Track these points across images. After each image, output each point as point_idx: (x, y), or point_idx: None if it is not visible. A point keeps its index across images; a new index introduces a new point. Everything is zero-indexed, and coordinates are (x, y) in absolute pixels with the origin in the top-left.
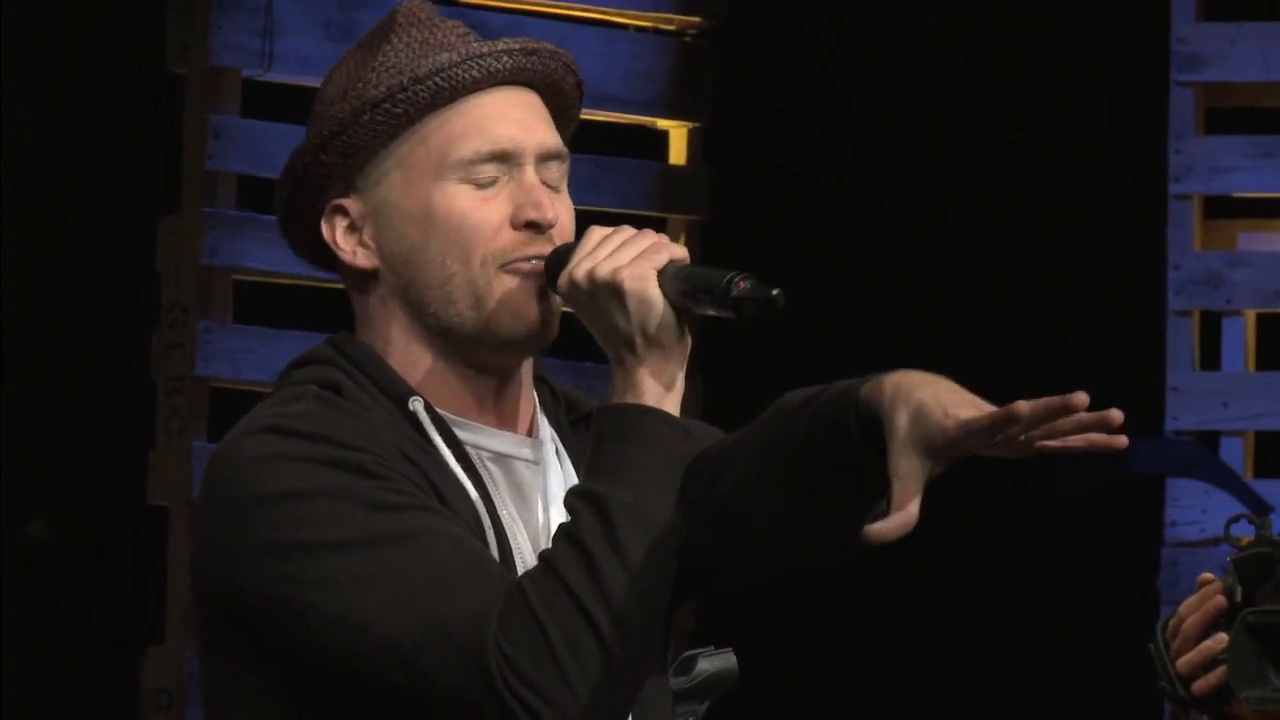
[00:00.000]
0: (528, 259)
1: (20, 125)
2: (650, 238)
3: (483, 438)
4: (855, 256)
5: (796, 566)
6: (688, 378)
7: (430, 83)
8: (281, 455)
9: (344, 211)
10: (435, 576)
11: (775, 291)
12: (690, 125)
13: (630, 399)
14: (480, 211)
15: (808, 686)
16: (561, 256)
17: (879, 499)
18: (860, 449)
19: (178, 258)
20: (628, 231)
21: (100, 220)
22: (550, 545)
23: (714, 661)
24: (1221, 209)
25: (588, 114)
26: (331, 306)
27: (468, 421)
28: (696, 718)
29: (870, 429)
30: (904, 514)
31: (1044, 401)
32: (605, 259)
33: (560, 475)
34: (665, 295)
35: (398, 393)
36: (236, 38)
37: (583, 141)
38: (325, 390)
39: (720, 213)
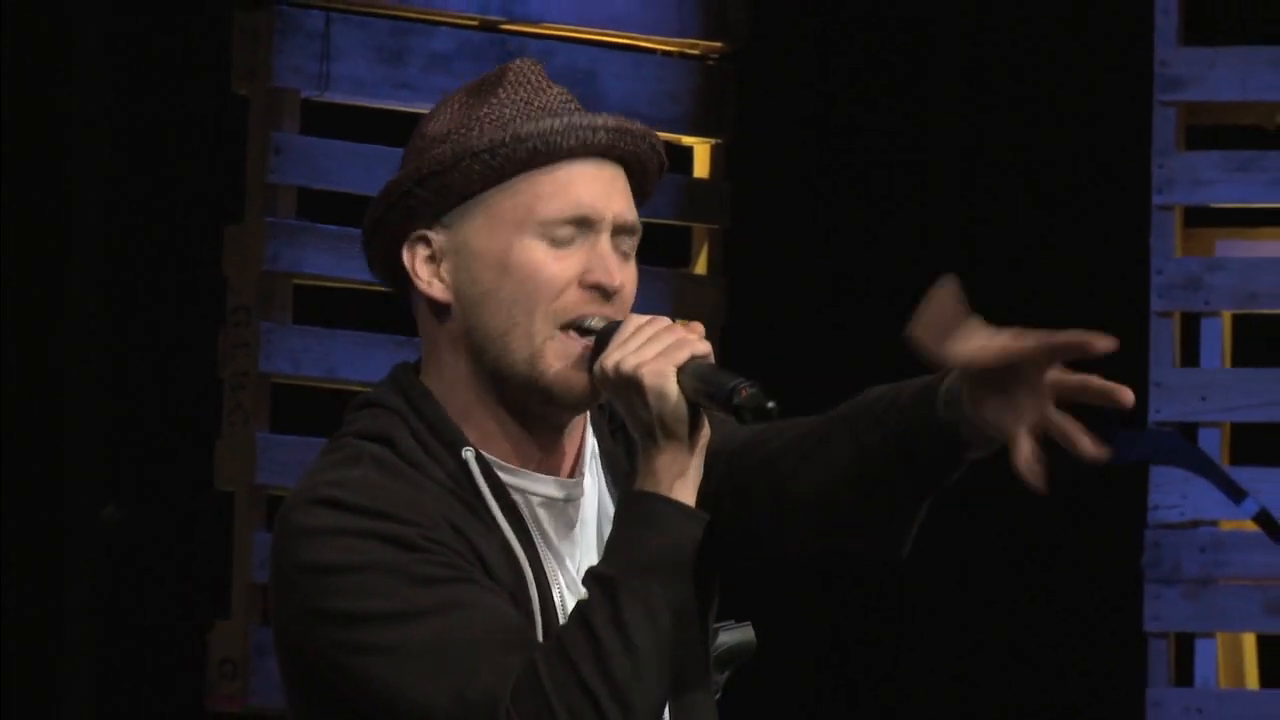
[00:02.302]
0: (585, 321)
1: (98, 142)
2: (676, 334)
3: (530, 483)
4: (863, 262)
5: (840, 543)
6: None
7: (530, 144)
8: (339, 529)
9: (427, 242)
10: (464, 650)
11: (771, 405)
12: (713, 142)
13: (648, 487)
14: (552, 267)
15: (820, 658)
16: (604, 341)
17: (946, 478)
18: (939, 417)
19: (242, 263)
20: (659, 325)
21: (171, 229)
22: (566, 621)
23: (733, 635)
24: (1200, 218)
25: None
26: (382, 309)
27: (516, 468)
28: (716, 689)
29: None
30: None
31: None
32: (632, 353)
33: (599, 508)
34: (683, 390)
35: (452, 442)
36: (296, 61)
37: None
38: (382, 447)
39: (740, 222)
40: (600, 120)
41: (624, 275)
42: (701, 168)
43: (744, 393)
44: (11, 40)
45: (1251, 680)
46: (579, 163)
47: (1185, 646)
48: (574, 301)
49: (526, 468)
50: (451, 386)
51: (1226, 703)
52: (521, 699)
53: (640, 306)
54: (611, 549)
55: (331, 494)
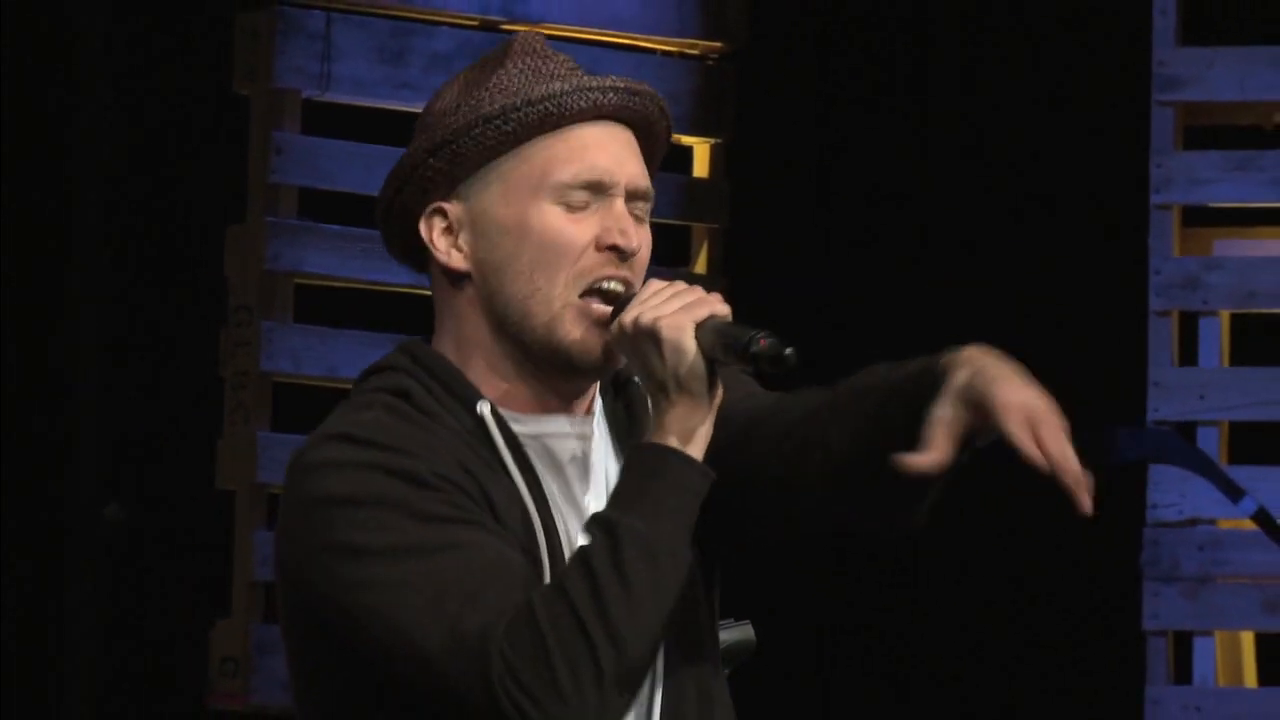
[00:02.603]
0: (604, 284)
1: (99, 142)
2: (696, 293)
3: (543, 426)
4: (862, 262)
5: (846, 521)
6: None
7: (541, 106)
8: (347, 462)
9: (444, 214)
10: (464, 587)
11: (788, 350)
12: (713, 141)
13: (658, 439)
14: (570, 230)
15: (820, 656)
16: (623, 305)
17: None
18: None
19: (243, 263)
20: (679, 285)
21: (173, 228)
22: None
23: (733, 633)
24: (1198, 218)
25: None
26: (383, 308)
27: (530, 416)
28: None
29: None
30: (931, 453)
31: (1069, 475)
32: (652, 307)
33: (606, 460)
34: (700, 346)
35: (466, 396)
36: (297, 62)
37: None
38: (395, 398)
39: (739, 221)
40: (609, 82)
41: (640, 237)
42: (701, 167)
43: (762, 342)
44: (12, 40)
45: (1250, 678)
46: (591, 125)
47: (1184, 645)
48: (592, 264)
49: (532, 412)
50: (469, 354)
51: (1225, 701)
52: (516, 634)
53: None
54: (616, 495)
55: (344, 430)
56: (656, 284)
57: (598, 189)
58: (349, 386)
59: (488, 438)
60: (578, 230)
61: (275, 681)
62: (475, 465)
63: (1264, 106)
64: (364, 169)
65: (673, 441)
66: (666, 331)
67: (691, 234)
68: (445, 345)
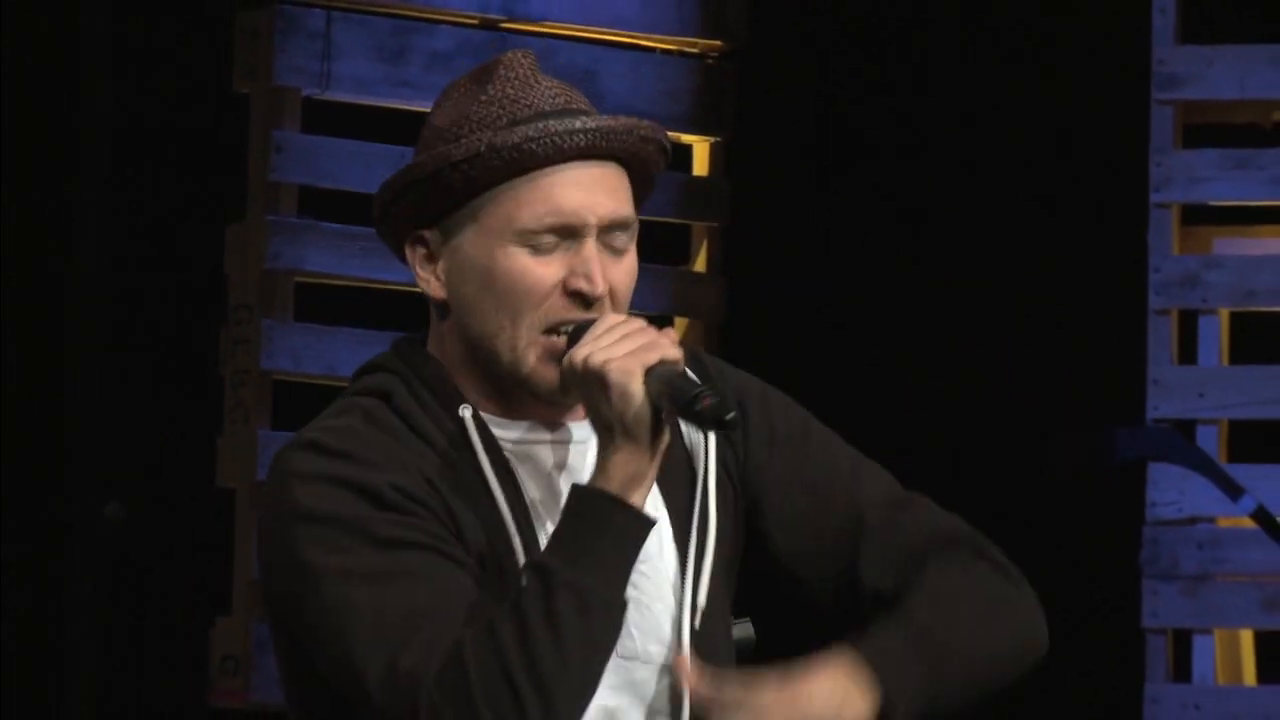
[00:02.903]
0: (565, 327)
1: (100, 140)
2: (648, 335)
3: (525, 432)
4: (862, 260)
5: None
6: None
7: (505, 154)
8: (314, 474)
9: (424, 242)
10: (405, 620)
11: (730, 416)
12: (712, 140)
13: (600, 484)
14: (534, 274)
15: (818, 652)
16: (578, 336)
17: None
18: None
19: (243, 262)
20: (634, 325)
21: (173, 227)
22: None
23: (733, 630)
24: (1198, 216)
25: None
26: (382, 306)
27: (514, 422)
28: None
29: None
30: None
31: None
32: (602, 349)
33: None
34: (647, 393)
35: (449, 400)
36: (297, 60)
37: None
38: (378, 400)
39: (739, 220)
40: (579, 123)
41: (613, 276)
42: (701, 166)
43: (705, 401)
44: (14, 39)
45: (1249, 676)
46: (561, 168)
47: (1183, 643)
48: (556, 308)
49: (518, 418)
50: (452, 365)
51: (1224, 699)
52: (444, 679)
53: (640, 303)
54: (554, 541)
55: (317, 438)
56: (612, 319)
57: (565, 232)
58: (348, 385)
59: (468, 445)
60: (543, 273)
61: (276, 680)
62: (446, 479)
63: (1263, 105)
64: (364, 167)
65: (614, 488)
66: (615, 375)
67: (691, 232)
68: (433, 349)
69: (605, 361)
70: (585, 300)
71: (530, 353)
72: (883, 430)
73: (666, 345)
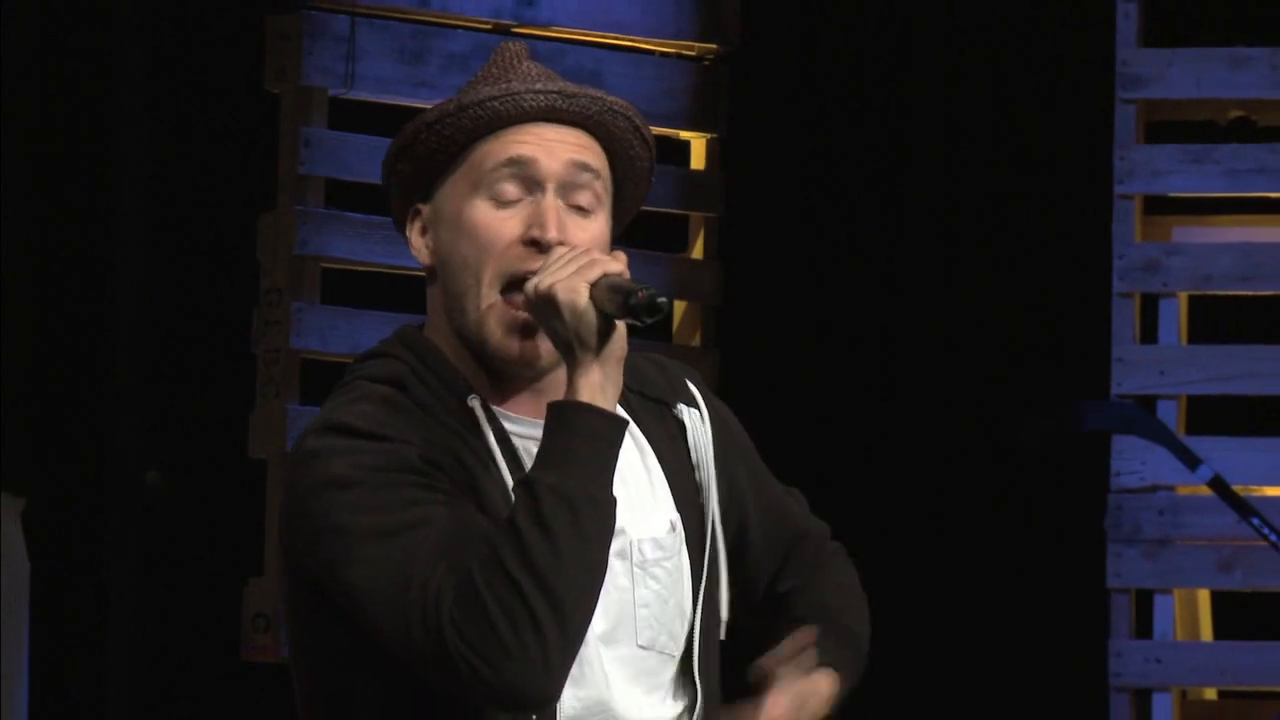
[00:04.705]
0: (521, 276)
1: (141, 137)
2: (590, 255)
3: (528, 429)
4: (848, 247)
5: None
6: (706, 349)
7: (472, 111)
8: (339, 450)
9: (419, 215)
10: (429, 557)
11: (661, 300)
12: (709, 136)
13: (568, 396)
14: (496, 225)
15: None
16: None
17: None
18: None
19: (274, 248)
20: (578, 250)
21: (209, 216)
22: None
23: None
24: (1158, 207)
25: None
26: (404, 290)
27: (516, 416)
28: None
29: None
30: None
31: None
32: (549, 274)
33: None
34: (595, 304)
35: (458, 389)
36: (324, 62)
37: None
38: (392, 389)
39: (734, 211)
40: (540, 85)
41: (574, 228)
42: (698, 160)
43: (640, 295)
44: (63, 45)
45: (1206, 633)
46: (528, 125)
47: (1145, 602)
48: (514, 257)
49: (523, 414)
50: (444, 340)
51: (1183, 653)
52: (459, 601)
53: None
54: (538, 455)
55: (341, 421)
56: (560, 251)
57: (525, 176)
58: (353, 368)
59: (479, 432)
60: (503, 226)
61: None
62: (467, 457)
63: (1219, 103)
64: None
65: (582, 396)
66: (562, 294)
67: (689, 223)
68: (431, 334)
69: (552, 284)
70: (540, 246)
71: (490, 317)
72: (866, 405)
73: (609, 262)
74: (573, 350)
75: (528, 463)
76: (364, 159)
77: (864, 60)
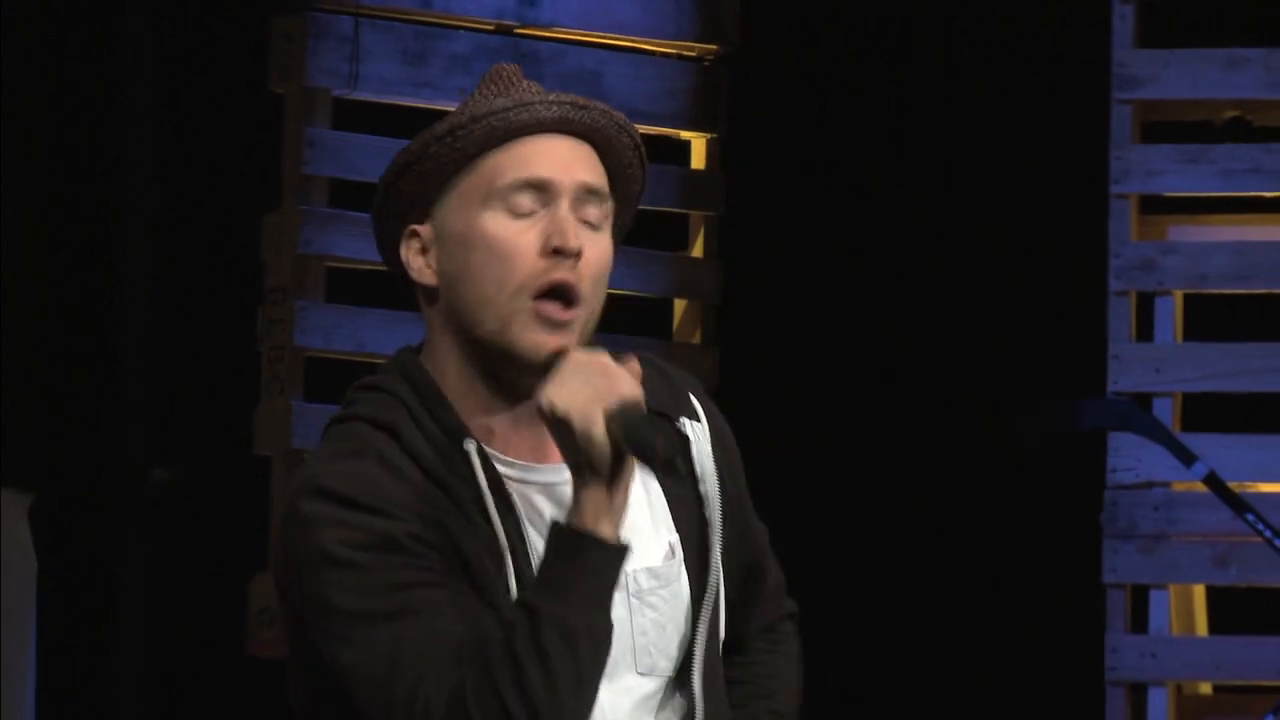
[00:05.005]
0: (551, 286)
1: (147, 136)
2: (610, 377)
3: (526, 473)
4: (846, 246)
5: None
6: (706, 347)
7: (485, 122)
8: (333, 520)
9: (417, 235)
10: (419, 656)
11: (675, 460)
12: (709, 136)
13: (574, 519)
14: (516, 238)
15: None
16: (549, 364)
17: None
18: None
19: (279, 247)
20: (597, 364)
21: (215, 216)
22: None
23: None
24: (1154, 206)
25: None
26: (406, 289)
27: (512, 460)
28: None
29: None
30: None
31: None
32: (566, 394)
33: None
34: (609, 433)
35: (454, 430)
36: (328, 63)
37: None
38: (386, 434)
39: (733, 210)
40: (553, 97)
41: (587, 243)
42: (698, 160)
43: (657, 453)
44: (71, 46)
45: (1201, 628)
46: (537, 138)
47: (1140, 597)
48: (537, 269)
49: (522, 458)
50: (447, 367)
51: (1178, 648)
52: (451, 709)
53: (643, 286)
54: (538, 579)
55: (332, 486)
56: (575, 360)
57: (540, 191)
58: (376, 360)
59: (474, 481)
60: (522, 238)
61: None
62: (455, 518)
63: (1214, 104)
64: (389, 161)
65: (587, 522)
66: (578, 422)
67: (689, 221)
68: (430, 359)
69: (568, 408)
70: (563, 255)
71: (517, 319)
72: (865, 402)
73: (625, 385)
74: (581, 472)
75: (520, 507)
76: (367, 159)
77: (862, 61)
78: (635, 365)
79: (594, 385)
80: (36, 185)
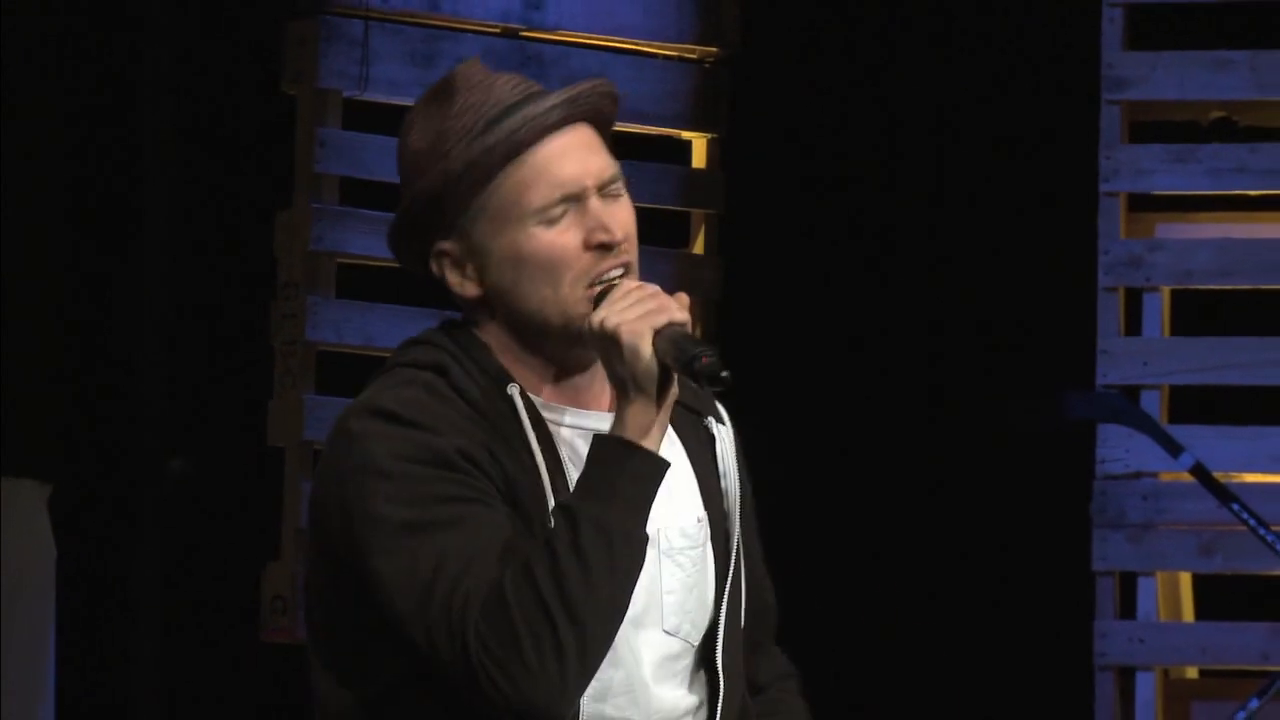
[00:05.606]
0: (607, 273)
1: (165, 137)
2: (659, 300)
3: (568, 417)
4: (843, 243)
5: None
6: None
7: (499, 150)
8: (384, 436)
9: (447, 254)
10: (459, 563)
11: (725, 374)
12: (709, 136)
13: (616, 432)
14: (558, 245)
15: (786, 599)
16: (601, 298)
17: None
18: None
19: (291, 245)
20: (648, 290)
21: (229, 213)
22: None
23: None
24: (1142, 204)
25: (625, 127)
26: (415, 285)
27: (555, 405)
28: None
29: None
30: None
31: None
32: (616, 312)
33: None
34: (656, 351)
35: (498, 379)
36: (339, 65)
37: (620, 150)
38: (435, 375)
39: (733, 208)
40: (550, 100)
41: (620, 218)
42: (699, 159)
43: (704, 360)
44: (92, 52)
45: (1187, 613)
46: (545, 142)
47: (1129, 584)
48: (588, 264)
49: (563, 404)
50: (491, 338)
51: (1165, 633)
52: (488, 611)
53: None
54: (579, 485)
55: (385, 406)
56: (628, 285)
57: (570, 199)
58: (384, 354)
59: (516, 420)
60: (565, 240)
61: None
62: (502, 448)
63: (1201, 105)
64: (403, 196)
65: (629, 435)
66: (626, 337)
67: (691, 219)
68: (479, 334)
69: (618, 325)
70: (608, 248)
71: (580, 307)
72: (863, 395)
73: (675, 309)
74: (627, 389)
75: (561, 450)
76: (377, 158)
77: (858, 65)
78: (684, 296)
79: (643, 306)
80: (55, 183)
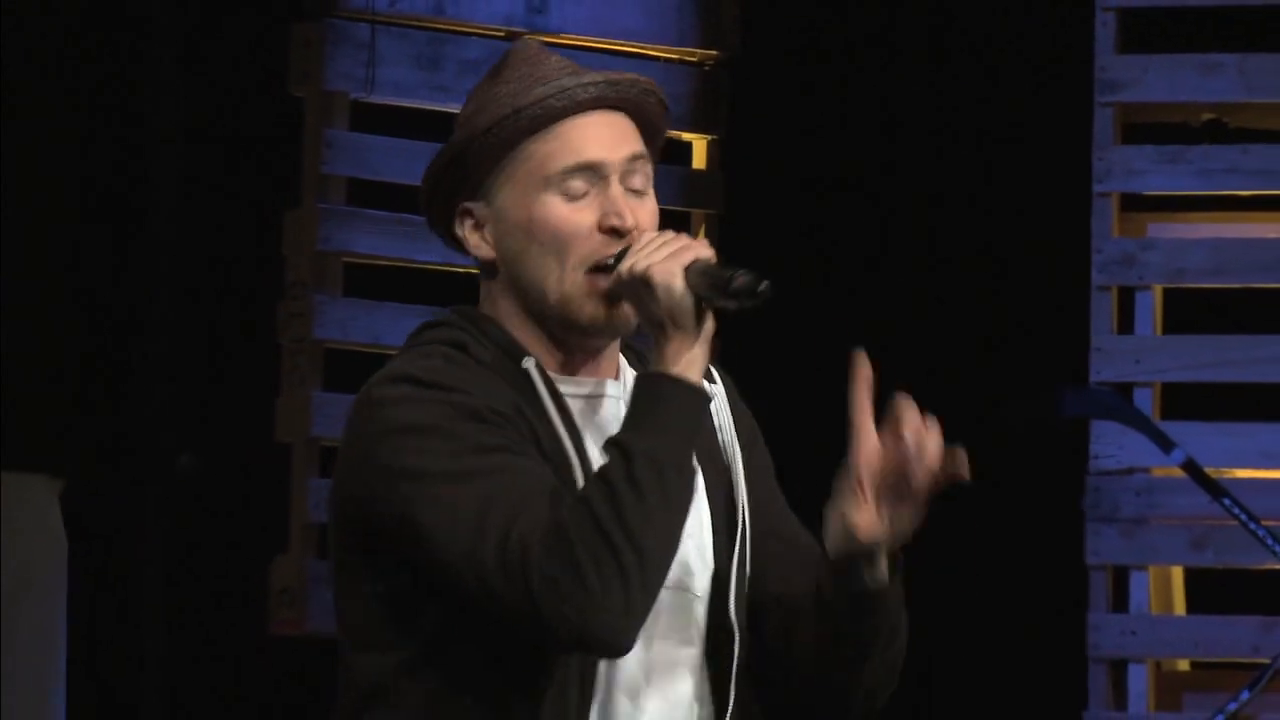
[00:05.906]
0: (607, 260)
1: (171, 139)
2: (683, 240)
3: (580, 387)
4: (841, 243)
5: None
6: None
7: (528, 112)
8: (414, 398)
9: (470, 214)
10: (508, 507)
11: (763, 285)
12: (709, 138)
13: (658, 368)
14: (572, 218)
15: None
16: (622, 255)
17: (880, 644)
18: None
19: (298, 244)
20: (668, 235)
21: (238, 213)
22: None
23: None
24: (1135, 204)
25: None
26: (420, 283)
27: (565, 376)
28: None
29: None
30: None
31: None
32: (644, 256)
33: None
34: (689, 287)
35: (514, 353)
36: (345, 67)
37: None
38: (454, 349)
39: (733, 209)
40: (589, 77)
41: (639, 212)
42: (699, 160)
43: (739, 279)
44: (100, 52)
45: (1179, 607)
46: (578, 118)
47: (1121, 578)
48: (595, 246)
49: (573, 375)
50: (505, 319)
51: (1157, 627)
52: (549, 546)
53: None
54: (628, 420)
55: (410, 372)
56: (649, 234)
57: (591, 173)
58: (392, 352)
59: (534, 392)
60: (579, 217)
61: (328, 611)
62: (525, 407)
63: (1192, 107)
64: (405, 162)
65: (671, 370)
66: (658, 276)
67: (691, 220)
68: (488, 312)
69: (648, 266)
70: (619, 234)
71: (574, 289)
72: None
73: (700, 246)
74: (665, 329)
75: (580, 421)
76: (384, 159)
77: (855, 67)
78: (704, 239)
79: (669, 247)
80: (64, 180)
